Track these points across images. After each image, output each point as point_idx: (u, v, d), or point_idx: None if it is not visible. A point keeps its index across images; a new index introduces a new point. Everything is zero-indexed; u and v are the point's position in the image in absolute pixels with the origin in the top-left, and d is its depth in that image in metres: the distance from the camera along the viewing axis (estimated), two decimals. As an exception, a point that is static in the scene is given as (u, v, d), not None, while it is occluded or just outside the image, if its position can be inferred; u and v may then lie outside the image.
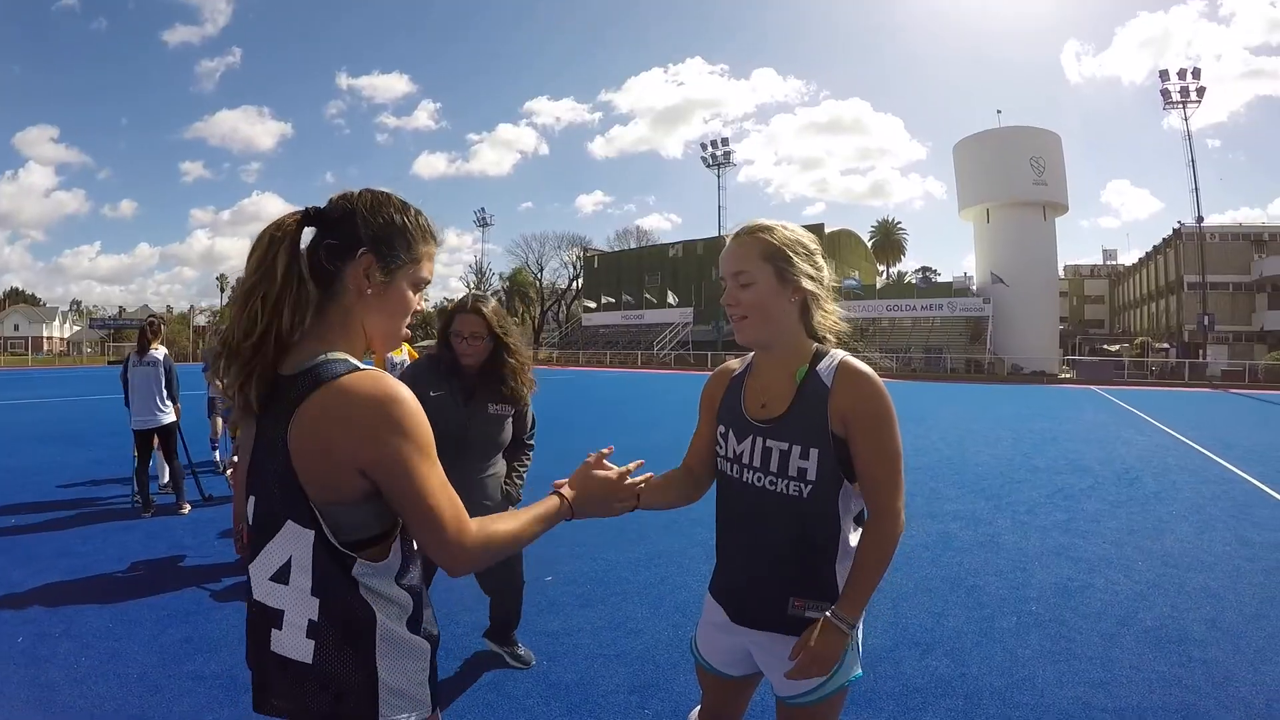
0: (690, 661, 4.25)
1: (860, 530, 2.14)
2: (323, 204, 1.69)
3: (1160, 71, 59.91)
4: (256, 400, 1.58)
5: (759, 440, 2.14)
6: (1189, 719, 3.90)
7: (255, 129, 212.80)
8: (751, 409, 2.20)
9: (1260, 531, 7.95)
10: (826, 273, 2.21)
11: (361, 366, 1.56)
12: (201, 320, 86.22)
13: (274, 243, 1.60)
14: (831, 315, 2.22)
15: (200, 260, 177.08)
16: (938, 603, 5.55)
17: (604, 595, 5.63)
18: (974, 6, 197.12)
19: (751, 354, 2.31)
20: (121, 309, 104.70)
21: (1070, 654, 4.66)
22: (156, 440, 8.24)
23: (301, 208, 1.67)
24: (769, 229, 2.13)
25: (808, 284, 2.12)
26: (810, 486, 2.07)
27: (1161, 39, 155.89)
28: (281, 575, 1.54)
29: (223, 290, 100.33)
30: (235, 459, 6.26)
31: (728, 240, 2.20)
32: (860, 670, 2.20)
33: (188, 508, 7.97)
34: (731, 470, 2.24)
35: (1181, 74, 59.14)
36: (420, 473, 1.51)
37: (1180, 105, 58.97)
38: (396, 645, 1.59)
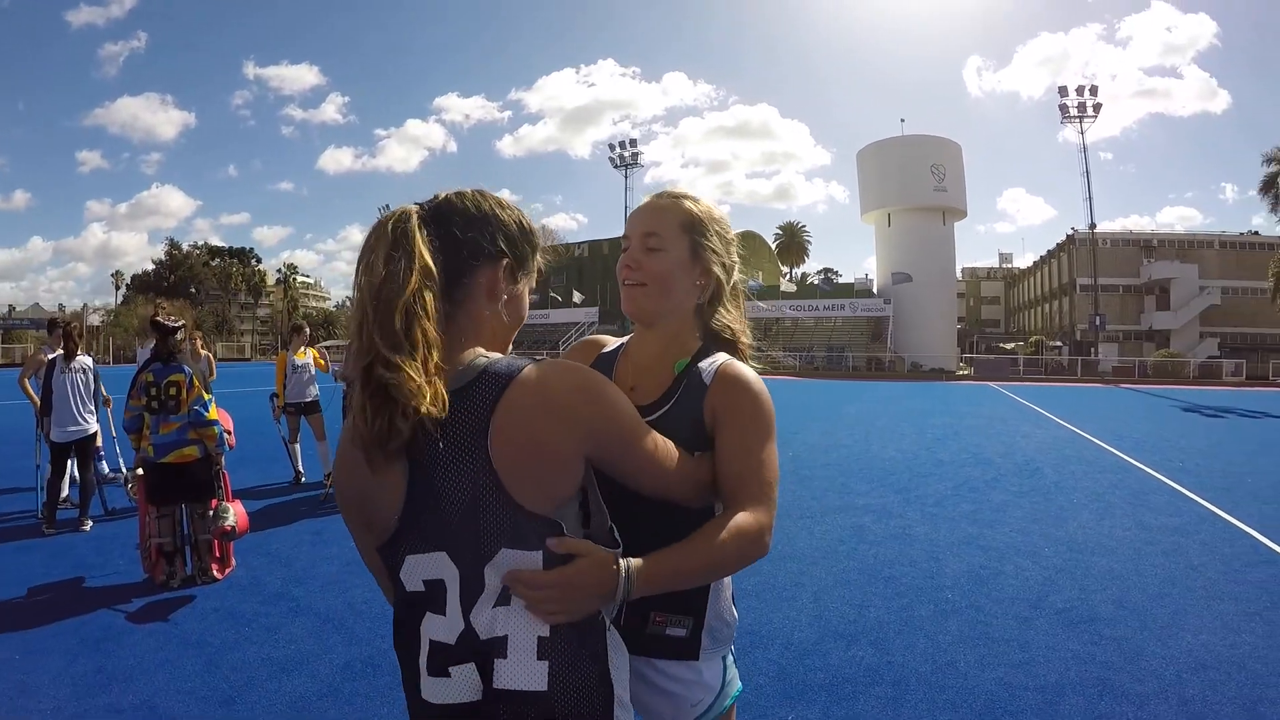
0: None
1: None
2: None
3: (1060, 88, 62.15)
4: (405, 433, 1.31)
5: None
6: (1106, 692, 4.04)
7: (157, 118, 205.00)
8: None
9: (1157, 516, 8.28)
10: (737, 272, 1.95)
11: (533, 360, 1.42)
12: (96, 320, 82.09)
13: (408, 234, 1.38)
14: (730, 316, 1.91)
15: (95, 256, 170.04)
16: (858, 594, 5.63)
17: None
18: (882, 22, 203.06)
19: (628, 337, 2.03)
20: (11, 307, 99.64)
21: (988, 638, 4.78)
22: (73, 452, 7.76)
23: (414, 203, 1.47)
24: (695, 199, 1.88)
25: (718, 270, 1.85)
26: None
27: (1060, 58, 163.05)
28: (504, 599, 1.35)
29: (117, 288, 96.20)
30: (140, 471, 6.04)
31: (645, 199, 1.94)
32: (740, 685, 1.93)
33: (90, 524, 7.48)
34: None
35: (1080, 90, 61.36)
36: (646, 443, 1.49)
37: (1077, 119, 61.15)
38: (615, 643, 1.46)
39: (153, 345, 6.19)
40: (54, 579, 5.98)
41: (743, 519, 1.53)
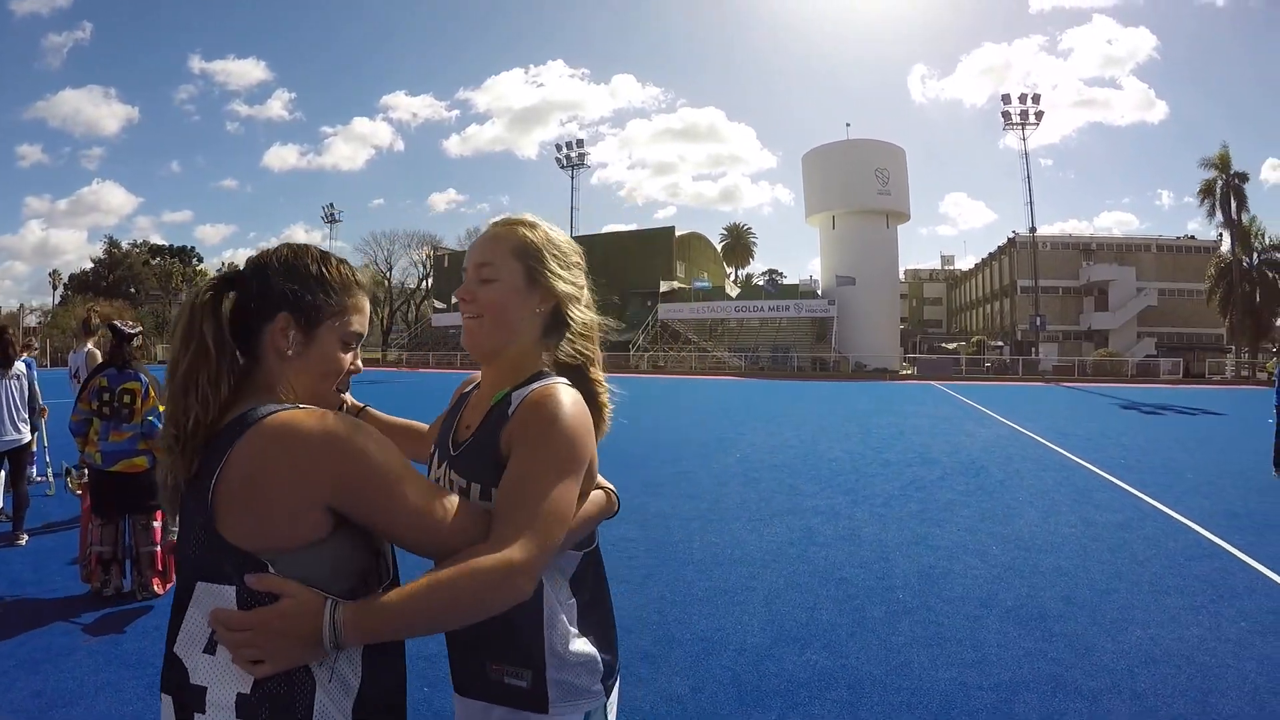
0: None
1: (576, 596, 1.71)
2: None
3: (1002, 95, 63.29)
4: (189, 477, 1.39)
5: (447, 469, 1.75)
6: (1059, 689, 4.05)
7: (100, 111, 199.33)
8: (459, 429, 1.81)
9: (1102, 513, 8.38)
10: (587, 293, 1.85)
11: (295, 407, 1.41)
12: (32, 320, 79.61)
13: (196, 313, 1.43)
14: (579, 343, 1.79)
15: (33, 254, 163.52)
16: (809, 597, 5.59)
17: None
18: (829, 28, 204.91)
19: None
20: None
21: (941, 638, 4.77)
22: (6, 462, 7.39)
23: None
24: (532, 225, 1.79)
25: (563, 287, 1.75)
26: None
27: (1003, 67, 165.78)
28: (211, 646, 1.32)
29: (55, 287, 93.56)
30: (86, 474, 5.82)
31: (484, 227, 1.85)
32: None
33: (25, 538, 7.08)
34: None
35: (1022, 98, 62.45)
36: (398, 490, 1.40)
37: (1019, 126, 62.23)
38: (333, 708, 1.36)
39: (108, 350, 5.99)
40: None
41: (485, 558, 1.38)
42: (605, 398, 1.82)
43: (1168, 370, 52.85)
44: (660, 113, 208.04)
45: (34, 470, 8.76)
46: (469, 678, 1.70)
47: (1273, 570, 6.25)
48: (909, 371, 56.75)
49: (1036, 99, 62.36)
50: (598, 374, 1.81)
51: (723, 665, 4.39)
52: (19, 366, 7.43)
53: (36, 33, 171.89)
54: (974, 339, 69.10)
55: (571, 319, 1.78)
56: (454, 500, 1.46)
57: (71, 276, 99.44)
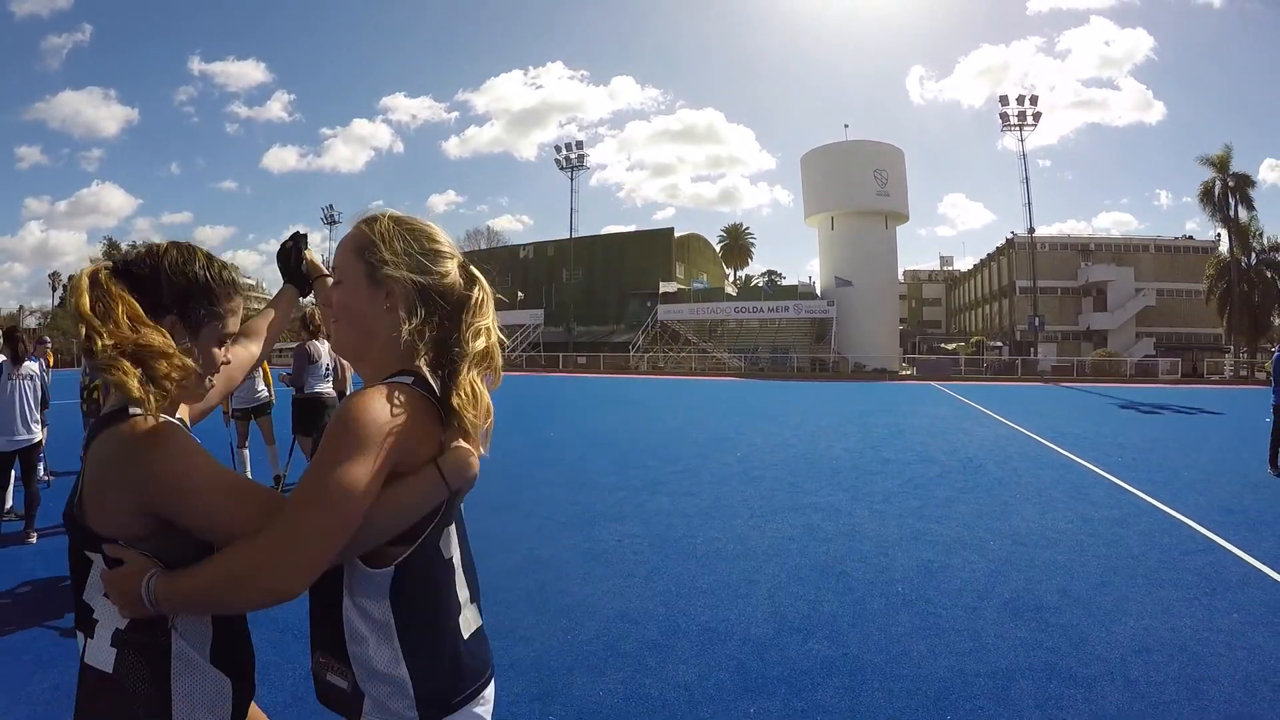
0: (586, 664, 4.24)
1: (393, 611, 1.59)
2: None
3: (1000, 96, 62.83)
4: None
5: None
6: (1054, 676, 4.17)
7: (100, 113, 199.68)
8: None
9: (1098, 509, 8.50)
10: (453, 277, 1.74)
11: (134, 412, 1.55)
12: (32, 322, 79.47)
13: (85, 293, 1.56)
14: (445, 328, 1.71)
15: (33, 255, 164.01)
16: (811, 590, 5.71)
17: (486, 605, 5.46)
18: (827, 30, 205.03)
19: None
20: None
21: (939, 628, 4.89)
22: (17, 461, 7.49)
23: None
24: (376, 217, 1.75)
25: (405, 278, 1.66)
26: None
27: (1000, 69, 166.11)
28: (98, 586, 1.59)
29: (54, 289, 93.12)
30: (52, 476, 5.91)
31: None
32: None
33: (35, 536, 7.20)
34: None
35: (1020, 100, 62.25)
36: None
37: (1017, 127, 62.10)
38: (194, 671, 1.60)
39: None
40: (1, 593, 5.77)
41: (237, 547, 1.45)
42: (470, 384, 1.66)
43: (1166, 370, 52.93)
44: (659, 114, 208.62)
45: (41, 468, 8.88)
46: (316, 677, 1.69)
47: (1266, 564, 6.37)
48: (908, 372, 56.79)
49: (1034, 100, 62.25)
50: (466, 372, 1.66)
51: (728, 654, 4.51)
52: (31, 366, 7.53)
53: (36, 34, 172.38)
54: (973, 339, 69.17)
55: (439, 302, 1.70)
56: (246, 498, 1.55)
57: (70, 278, 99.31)
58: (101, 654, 1.56)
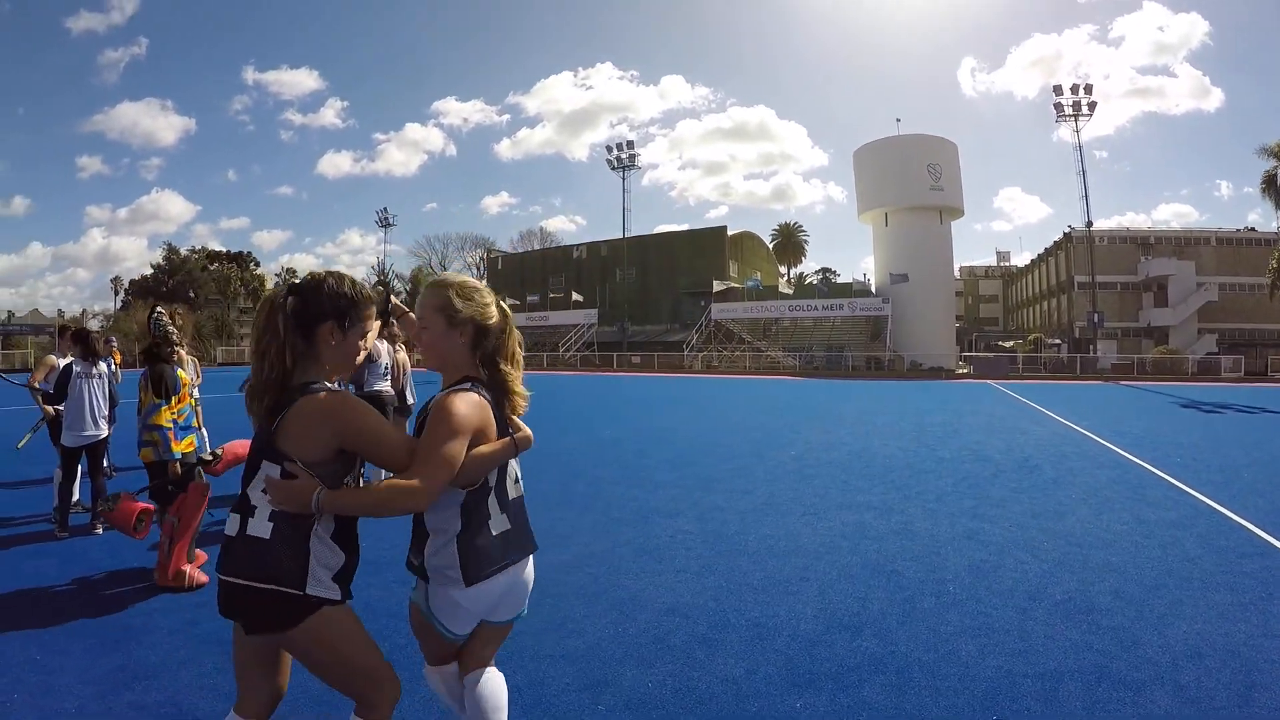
0: (636, 656, 4.35)
1: (461, 518, 2.68)
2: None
3: (1054, 87, 61.82)
4: (267, 408, 2.57)
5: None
6: (1103, 679, 4.17)
7: (157, 123, 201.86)
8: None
9: (1155, 510, 8.41)
10: (495, 315, 2.81)
11: (329, 387, 2.61)
12: (94, 324, 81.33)
13: (274, 310, 2.58)
14: (493, 347, 2.82)
15: (95, 261, 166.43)
16: (860, 588, 5.75)
17: (539, 598, 5.43)
18: (877, 23, 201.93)
19: None
20: (10, 313, 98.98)
21: (988, 628, 4.91)
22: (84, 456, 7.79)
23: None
24: (445, 284, 2.81)
25: (468, 313, 2.76)
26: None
27: (1053, 58, 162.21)
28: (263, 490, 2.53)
29: (117, 293, 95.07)
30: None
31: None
32: (451, 632, 2.78)
33: (101, 528, 7.46)
34: None
35: (1074, 89, 61.18)
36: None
37: (1072, 118, 61.00)
38: (322, 543, 2.56)
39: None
40: (68, 582, 5.99)
41: (400, 480, 2.49)
42: (513, 382, 2.83)
43: (1228, 368, 51.84)
44: (710, 113, 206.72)
45: (105, 461, 9.20)
46: (410, 563, 2.84)
47: (1325, 568, 6.26)
48: (965, 370, 56.18)
49: (1089, 89, 61.05)
50: (507, 367, 2.82)
51: (776, 649, 4.58)
52: (103, 366, 7.85)
53: (93, 50, 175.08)
54: (1031, 337, 68.12)
55: (493, 332, 2.81)
56: (407, 446, 2.60)
57: (132, 282, 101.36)
58: (261, 527, 2.49)
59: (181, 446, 6.18)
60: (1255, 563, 6.48)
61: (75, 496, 8.08)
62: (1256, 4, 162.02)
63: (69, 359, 8.04)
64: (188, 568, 5.80)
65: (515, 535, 2.83)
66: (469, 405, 2.62)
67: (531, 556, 2.95)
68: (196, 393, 11.14)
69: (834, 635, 4.82)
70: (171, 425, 6.10)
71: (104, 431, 7.80)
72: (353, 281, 2.70)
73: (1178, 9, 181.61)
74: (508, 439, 2.74)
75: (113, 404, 7.97)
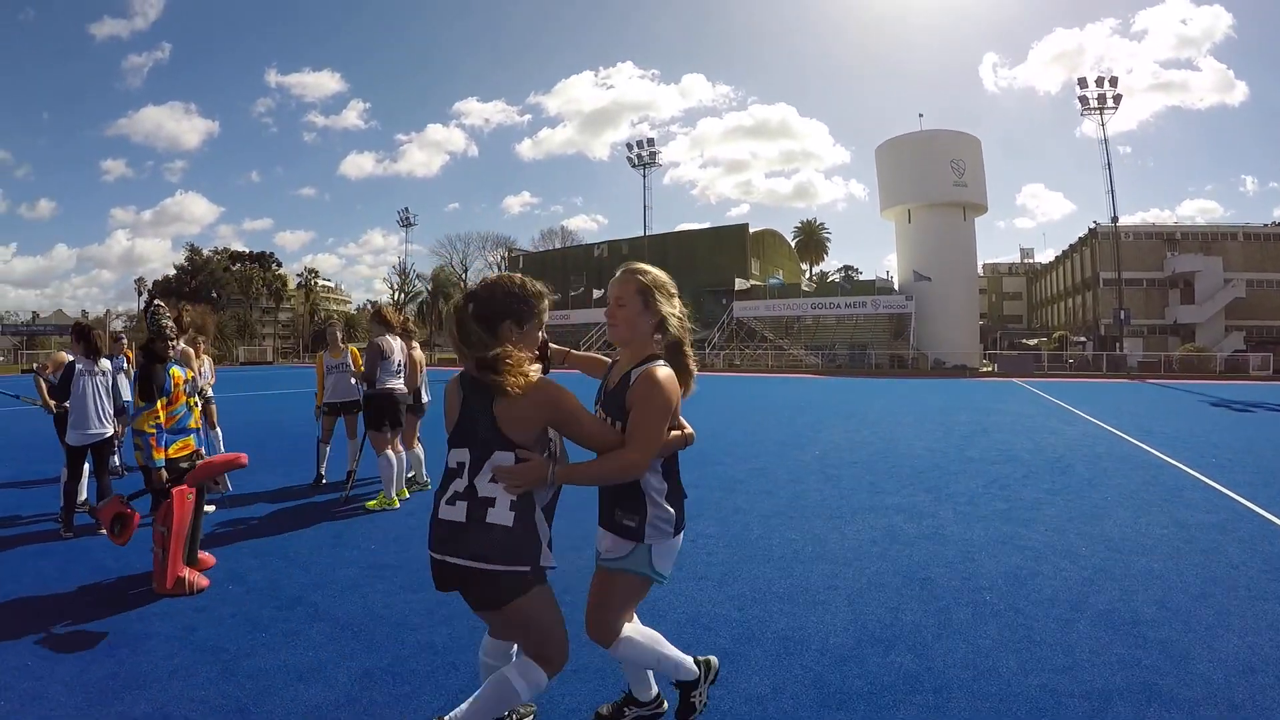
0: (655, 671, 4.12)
1: (665, 481, 3.22)
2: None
3: (1079, 79, 61.36)
4: (462, 387, 2.98)
5: (600, 407, 3.30)
6: (1153, 698, 3.91)
7: (181, 126, 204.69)
8: (607, 383, 3.36)
9: (1194, 513, 8.12)
10: (679, 304, 3.31)
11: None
12: (118, 325, 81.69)
13: (458, 313, 2.96)
14: (673, 336, 3.28)
15: (119, 262, 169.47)
16: (893, 597, 5.50)
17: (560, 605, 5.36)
18: (898, 19, 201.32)
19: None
20: (35, 314, 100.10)
21: (1030, 641, 4.65)
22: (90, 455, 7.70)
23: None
24: (644, 271, 3.28)
25: (665, 310, 3.23)
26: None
27: (1075, 53, 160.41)
28: (493, 478, 2.84)
29: (140, 293, 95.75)
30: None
31: (619, 272, 3.31)
32: (658, 578, 3.30)
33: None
34: None
35: (1099, 81, 60.61)
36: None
37: (1097, 111, 60.41)
38: (543, 520, 2.97)
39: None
40: (70, 583, 5.88)
41: (622, 453, 2.98)
42: (692, 365, 3.32)
43: (1257, 366, 51.14)
44: (731, 111, 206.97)
45: (116, 460, 9.13)
46: (606, 517, 3.28)
47: (1379, 575, 5.98)
48: (989, 369, 55.73)
49: (1114, 81, 60.50)
50: (688, 350, 3.32)
51: (804, 665, 4.34)
52: (105, 364, 7.74)
53: (117, 55, 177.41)
54: (1055, 334, 67.54)
55: (672, 324, 3.25)
56: (601, 424, 3.07)
57: (155, 283, 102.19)
58: (504, 515, 2.82)
59: (171, 451, 6.01)
60: (1304, 570, 6.20)
61: (83, 496, 7.99)
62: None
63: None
64: (186, 573, 5.66)
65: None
66: (671, 385, 3.08)
67: None
68: (210, 391, 11.18)
69: (865, 649, 4.57)
70: (155, 430, 5.93)
71: (109, 430, 7.69)
72: (523, 280, 3.03)
73: (1200, 1, 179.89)
74: (681, 433, 3.22)
75: (116, 402, 7.83)
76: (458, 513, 2.85)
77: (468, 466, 2.89)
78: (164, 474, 5.90)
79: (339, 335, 10.00)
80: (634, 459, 2.96)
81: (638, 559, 3.20)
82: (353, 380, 9.63)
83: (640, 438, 2.99)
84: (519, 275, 3.04)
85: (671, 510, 3.21)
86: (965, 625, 4.96)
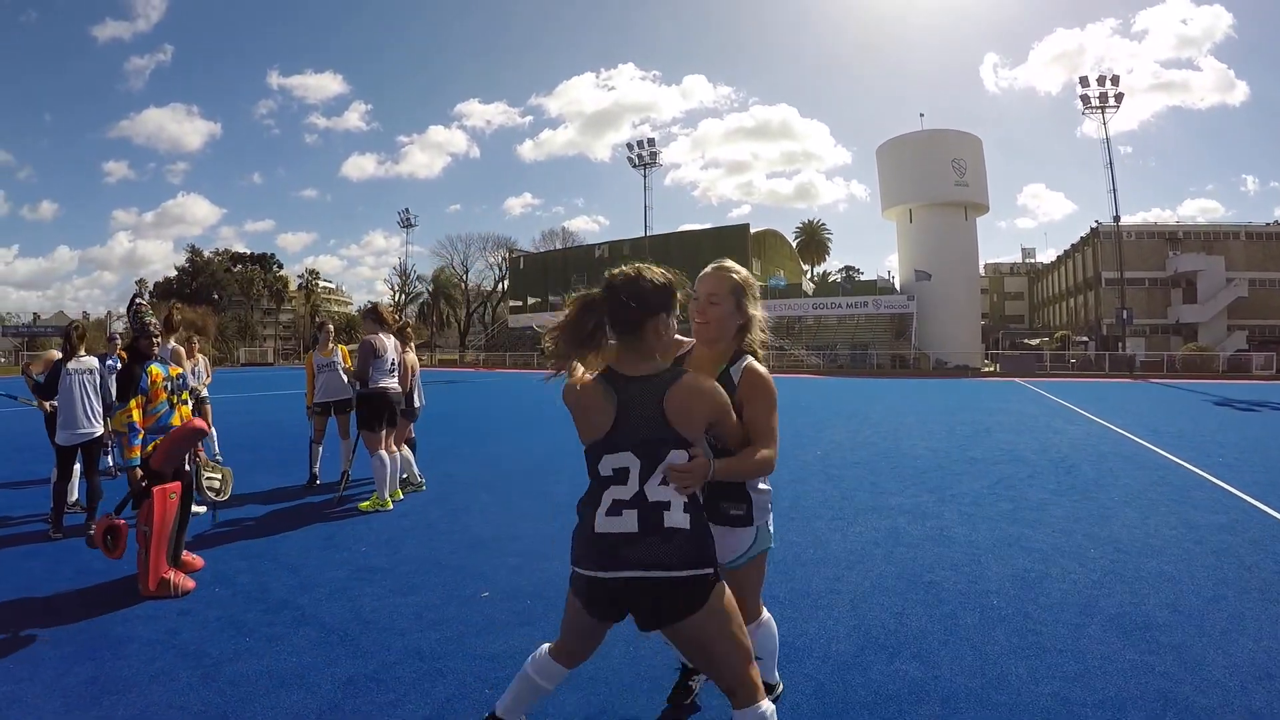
0: (649, 681, 3.98)
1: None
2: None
3: (1080, 78, 61.16)
4: (614, 388, 2.83)
5: None
6: (1169, 706, 3.76)
7: (183, 128, 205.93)
8: None
9: (1202, 514, 7.98)
10: (761, 309, 3.40)
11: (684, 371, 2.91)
12: (120, 326, 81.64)
13: (619, 308, 2.85)
14: (755, 338, 3.37)
15: (121, 264, 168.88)
16: (897, 601, 5.35)
17: (545, 611, 5.16)
18: (899, 20, 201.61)
19: (692, 343, 3.43)
20: (36, 315, 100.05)
21: (1039, 647, 4.50)
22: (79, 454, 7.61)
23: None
24: (735, 270, 3.36)
25: (753, 312, 3.35)
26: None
27: (1075, 53, 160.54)
28: (664, 481, 2.75)
29: (141, 295, 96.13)
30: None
31: (710, 269, 3.39)
32: (772, 543, 3.44)
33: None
34: None
35: (1100, 80, 60.48)
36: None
37: (1099, 110, 60.25)
38: (702, 511, 2.88)
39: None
40: (56, 584, 5.78)
41: (760, 449, 3.03)
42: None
43: (1260, 365, 50.96)
44: (732, 112, 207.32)
45: (110, 459, 9.01)
46: (714, 512, 3.13)
47: (1396, 577, 5.83)
48: (991, 369, 55.62)
49: (1115, 80, 60.32)
50: (761, 354, 3.36)
51: (805, 674, 4.20)
52: (90, 361, 7.68)
53: (119, 57, 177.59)
54: (1058, 334, 67.39)
55: (755, 323, 3.37)
56: (738, 422, 3.04)
57: (156, 284, 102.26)
58: (680, 518, 2.73)
59: (149, 450, 5.86)
60: (1316, 571, 6.05)
61: (73, 497, 7.99)
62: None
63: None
64: (171, 575, 5.56)
65: None
66: (771, 380, 3.20)
67: None
68: (205, 392, 11.06)
69: (869, 657, 4.41)
70: (127, 429, 5.78)
71: (98, 429, 7.57)
72: (661, 271, 2.93)
73: (1201, 1, 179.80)
74: None
75: (106, 400, 7.70)
76: (627, 523, 2.73)
77: (636, 471, 2.76)
78: (140, 473, 5.75)
79: (330, 334, 9.94)
80: (770, 455, 3.03)
81: (761, 540, 3.33)
82: (345, 378, 9.60)
83: (768, 433, 3.07)
84: (655, 267, 2.95)
85: (768, 487, 3.36)
86: (972, 630, 4.80)
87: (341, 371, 9.68)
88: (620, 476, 2.77)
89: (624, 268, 2.94)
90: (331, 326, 10.31)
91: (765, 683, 3.26)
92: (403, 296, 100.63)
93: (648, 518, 2.71)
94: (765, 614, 3.56)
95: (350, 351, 9.63)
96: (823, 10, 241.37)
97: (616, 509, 2.74)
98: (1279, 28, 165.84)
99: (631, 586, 2.73)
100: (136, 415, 5.78)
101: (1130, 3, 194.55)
